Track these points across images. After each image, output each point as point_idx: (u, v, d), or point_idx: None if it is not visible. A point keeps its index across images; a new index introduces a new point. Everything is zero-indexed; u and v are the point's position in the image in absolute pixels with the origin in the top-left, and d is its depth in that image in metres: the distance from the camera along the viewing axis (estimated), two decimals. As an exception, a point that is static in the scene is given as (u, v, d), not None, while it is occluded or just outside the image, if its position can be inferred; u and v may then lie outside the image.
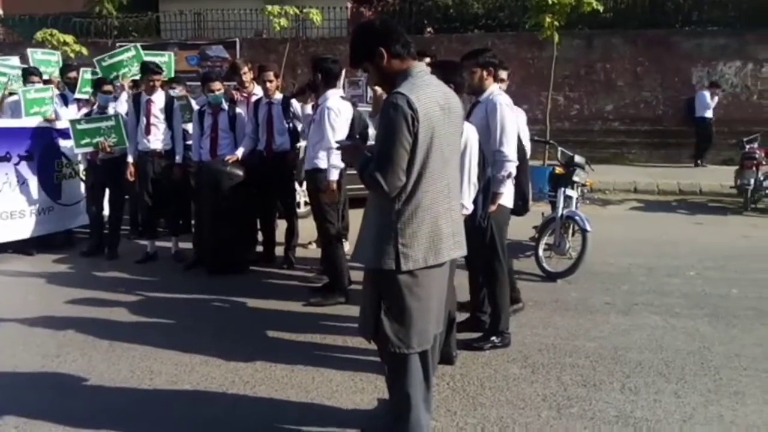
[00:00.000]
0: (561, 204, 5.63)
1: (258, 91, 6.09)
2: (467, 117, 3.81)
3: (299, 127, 5.91)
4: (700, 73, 13.08)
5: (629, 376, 3.65)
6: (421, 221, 2.56)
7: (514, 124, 3.93)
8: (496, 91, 4.02)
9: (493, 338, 4.04)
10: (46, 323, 4.49)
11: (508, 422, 3.15)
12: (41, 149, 6.49)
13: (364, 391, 3.45)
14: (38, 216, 6.52)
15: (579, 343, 4.11)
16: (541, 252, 5.57)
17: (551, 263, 5.56)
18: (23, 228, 6.40)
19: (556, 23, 10.19)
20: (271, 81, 5.76)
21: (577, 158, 6.10)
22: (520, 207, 4.22)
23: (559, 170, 6.21)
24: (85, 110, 6.64)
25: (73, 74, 6.85)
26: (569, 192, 5.74)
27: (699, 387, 3.51)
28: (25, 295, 5.30)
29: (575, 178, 5.88)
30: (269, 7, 12.89)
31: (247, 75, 6.17)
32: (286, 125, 5.84)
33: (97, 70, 6.94)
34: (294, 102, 5.85)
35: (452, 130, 2.65)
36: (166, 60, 7.22)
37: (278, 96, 5.86)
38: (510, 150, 3.85)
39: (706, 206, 9.22)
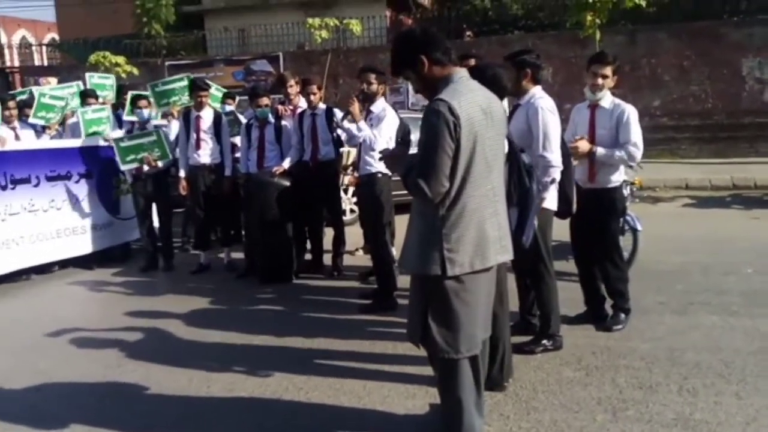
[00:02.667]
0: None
1: (302, 103, 6.21)
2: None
3: (343, 136, 5.99)
4: (751, 64, 12.66)
5: (687, 377, 3.56)
6: (467, 226, 2.58)
7: (557, 128, 3.88)
8: (537, 94, 3.91)
9: (545, 341, 4.00)
10: (107, 334, 4.67)
11: (563, 426, 3.12)
12: (100, 167, 6.77)
13: (415, 396, 3.47)
14: (98, 231, 6.80)
15: (633, 345, 4.04)
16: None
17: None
18: (85, 243, 6.68)
19: (597, 21, 10.04)
20: (314, 93, 5.88)
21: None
22: (565, 210, 4.17)
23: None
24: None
25: (143, 102, 6.94)
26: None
27: (762, 388, 3.40)
28: (87, 308, 5.53)
29: (624, 177, 5.76)
30: (310, 20, 13.13)
31: (294, 88, 6.28)
32: (331, 135, 5.94)
33: (149, 94, 7.16)
34: (336, 111, 5.95)
35: (495, 135, 2.66)
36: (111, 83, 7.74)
37: (322, 107, 5.96)
38: (554, 155, 3.80)
39: (761, 200, 8.88)
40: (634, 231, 5.28)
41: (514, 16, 15.64)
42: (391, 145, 4.97)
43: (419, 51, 2.62)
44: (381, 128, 4.99)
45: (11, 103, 6.43)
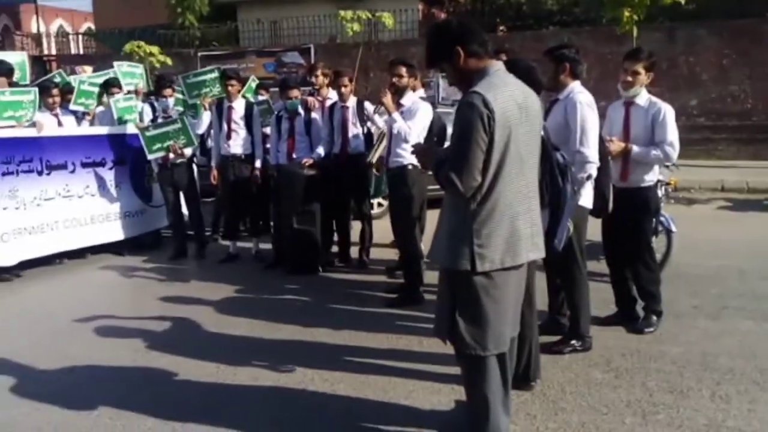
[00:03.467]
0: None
1: (333, 96, 6.20)
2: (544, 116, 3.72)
3: (373, 129, 5.98)
4: (794, 64, 12.29)
5: (720, 383, 3.47)
6: (498, 222, 2.54)
7: (595, 124, 3.80)
8: (576, 89, 3.84)
9: (574, 342, 3.94)
10: (136, 321, 4.73)
11: (591, 428, 3.06)
12: (133, 154, 6.85)
13: (441, 392, 3.44)
14: (131, 218, 6.90)
15: (665, 348, 3.95)
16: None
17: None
18: (118, 230, 6.78)
19: (635, 17, 9.84)
20: (345, 86, 5.86)
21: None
22: (600, 208, 4.09)
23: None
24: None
25: (167, 91, 6.95)
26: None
27: (798, 397, 3.30)
28: (117, 294, 5.61)
29: (659, 177, 5.64)
30: (342, 13, 13.10)
31: (320, 79, 6.26)
32: (361, 128, 5.92)
33: (181, 85, 7.23)
34: (367, 105, 5.93)
35: (530, 130, 2.60)
36: (140, 72, 7.67)
37: (352, 100, 5.95)
38: (590, 150, 3.72)
39: (801, 205, 8.64)
40: (669, 232, 5.17)
41: (549, 11, 15.45)
42: (422, 139, 4.93)
43: (455, 42, 2.58)
44: (414, 120, 4.93)
45: (54, 91, 6.54)
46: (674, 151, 4.11)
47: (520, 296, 2.80)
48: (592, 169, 3.74)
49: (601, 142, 3.97)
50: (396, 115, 4.92)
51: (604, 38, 12.97)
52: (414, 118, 4.95)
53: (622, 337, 4.14)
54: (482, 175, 2.48)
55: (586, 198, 3.83)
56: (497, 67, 2.61)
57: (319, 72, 6.27)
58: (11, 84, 6.51)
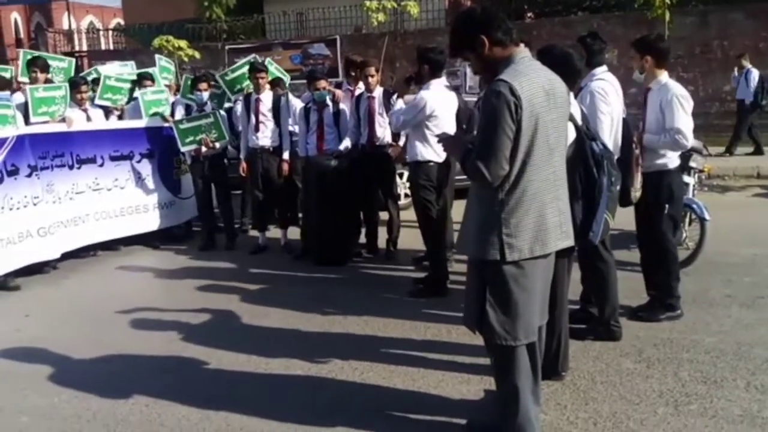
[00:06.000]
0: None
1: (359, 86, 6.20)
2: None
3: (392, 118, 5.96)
4: (835, 46, 11.92)
5: (755, 373, 3.41)
6: (526, 211, 2.52)
7: (608, 112, 3.77)
8: (597, 76, 3.88)
9: (600, 329, 3.91)
10: (170, 311, 4.82)
11: (622, 418, 3.04)
12: (161, 147, 6.95)
13: (470, 381, 3.44)
14: (161, 210, 7.00)
15: (698, 338, 3.89)
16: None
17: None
18: (148, 221, 6.90)
19: (667, 1, 9.63)
20: (372, 75, 5.86)
21: (694, 142, 5.74)
22: (623, 197, 4.02)
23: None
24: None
25: (202, 86, 6.84)
26: (686, 179, 5.41)
27: (837, 387, 3.23)
28: (150, 285, 5.72)
29: (692, 164, 5.54)
30: (368, 3, 13.05)
31: (375, 78, 5.95)
32: (387, 119, 5.91)
33: (220, 83, 7.31)
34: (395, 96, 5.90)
35: (558, 117, 2.58)
36: (65, 66, 7.42)
37: (379, 90, 5.94)
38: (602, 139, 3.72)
39: (840, 191, 8.40)
40: (702, 221, 5.07)
41: (578, -4, 15.20)
42: (435, 131, 4.80)
43: (479, 31, 2.56)
44: (405, 110, 4.85)
45: (84, 87, 6.66)
46: (683, 138, 3.99)
47: (548, 285, 2.78)
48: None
49: (626, 128, 3.92)
50: (399, 101, 4.88)
51: (634, 23, 12.71)
52: (407, 107, 4.87)
53: (654, 327, 4.09)
54: (510, 163, 2.47)
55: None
56: (523, 54, 2.59)
57: (373, 70, 5.97)
58: (47, 81, 6.64)
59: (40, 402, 3.47)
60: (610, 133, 3.74)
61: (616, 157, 3.74)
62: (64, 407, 3.41)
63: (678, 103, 4.00)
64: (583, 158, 3.14)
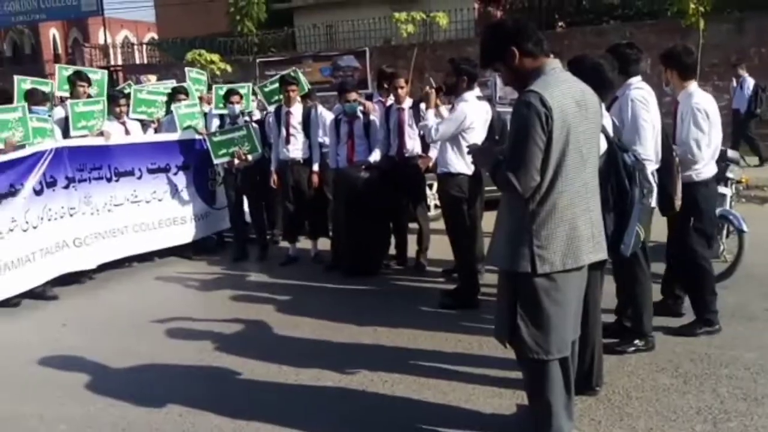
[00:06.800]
0: (714, 203, 5.22)
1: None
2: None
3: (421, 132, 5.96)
4: None
5: (798, 390, 3.31)
6: (558, 222, 2.51)
7: (649, 121, 3.73)
8: (633, 85, 3.85)
9: (636, 341, 3.84)
10: (203, 321, 4.88)
11: (658, 434, 2.98)
12: (196, 159, 7.07)
13: (502, 395, 3.41)
14: (196, 221, 7.11)
15: (737, 353, 3.79)
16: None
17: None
18: (183, 233, 7.01)
19: (701, 8, 9.48)
20: (402, 87, 5.89)
21: (731, 153, 5.63)
22: (665, 205, 3.97)
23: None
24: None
25: (235, 98, 6.92)
26: (723, 190, 5.30)
27: None
28: (184, 295, 5.80)
29: (729, 175, 5.43)
30: (397, 15, 13.12)
31: (405, 90, 6.01)
32: (417, 130, 5.92)
33: (259, 95, 7.52)
34: (423, 106, 5.91)
35: (590, 128, 2.57)
36: (98, 78, 7.55)
37: (408, 101, 5.96)
38: (644, 149, 3.65)
39: None
40: (740, 232, 4.96)
41: (610, 5, 15.02)
42: (465, 142, 4.79)
43: (509, 42, 2.56)
44: (443, 122, 4.83)
45: (122, 100, 6.82)
46: (687, 153, 3.93)
47: (581, 298, 2.74)
48: (649, 167, 3.64)
49: (665, 137, 3.88)
50: (429, 112, 4.85)
51: (667, 32, 12.51)
52: (445, 119, 4.86)
53: (691, 341, 4.00)
54: (541, 174, 2.46)
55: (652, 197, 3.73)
56: (553, 65, 2.58)
57: (402, 82, 6.00)
58: (89, 95, 6.82)
59: (78, 410, 3.54)
60: (652, 142, 3.69)
61: (656, 166, 3.71)
62: (100, 415, 3.47)
63: (691, 115, 3.97)
64: (615, 170, 3.12)
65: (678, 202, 3.93)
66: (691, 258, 4.10)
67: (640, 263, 3.77)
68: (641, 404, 3.27)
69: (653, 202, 3.77)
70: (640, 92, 3.78)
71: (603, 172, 2.85)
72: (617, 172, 3.11)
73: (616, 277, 4.00)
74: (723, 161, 5.59)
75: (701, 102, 4.01)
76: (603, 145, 2.98)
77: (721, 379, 3.49)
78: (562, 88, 2.48)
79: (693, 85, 4.10)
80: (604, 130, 2.96)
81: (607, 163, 3.05)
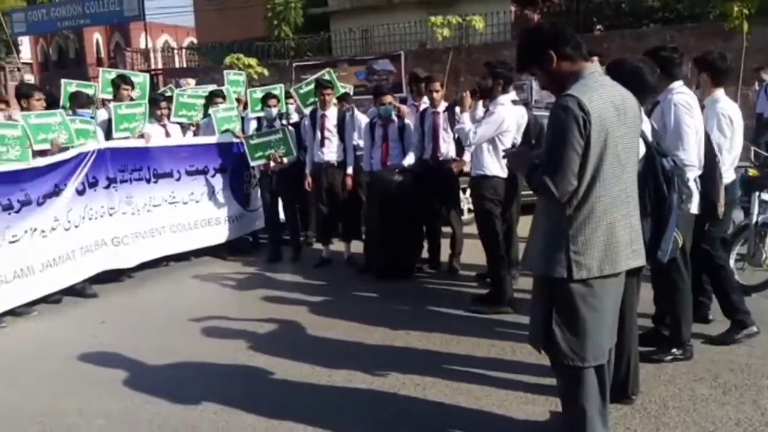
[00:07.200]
0: (756, 210, 5.08)
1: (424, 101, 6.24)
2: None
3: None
4: None
5: None
6: (595, 228, 2.47)
7: (692, 126, 3.66)
8: (675, 89, 3.77)
9: (674, 350, 3.77)
10: (238, 321, 4.95)
11: (696, 446, 2.91)
12: (233, 162, 7.18)
13: (535, 402, 3.38)
14: (231, 223, 7.23)
15: (779, 365, 3.69)
16: (732, 263, 5.06)
17: (744, 275, 5.02)
18: (219, 233, 7.13)
19: (745, 11, 9.26)
20: (437, 91, 5.88)
21: (773, 158, 5.49)
22: (708, 212, 3.88)
23: (753, 172, 5.59)
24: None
25: (272, 101, 7.05)
26: (765, 196, 5.17)
27: None
28: (219, 295, 5.89)
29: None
30: (432, 18, 13.15)
31: (440, 94, 5.96)
32: (451, 134, 5.91)
33: (295, 97, 7.59)
34: (458, 110, 5.91)
35: (628, 133, 2.53)
36: (140, 81, 7.68)
37: (443, 105, 5.95)
38: (687, 154, 3.59)
39: None
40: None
41: (650, 8, 14.75)
42: (502, 146, 4.76)
43: (547, 46, 2.54)
44: (481, 125, 4.79)
45: (163, 103, 6.98)
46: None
47: (618, 304, 2.70)
48: (692, 173, 3.57)
49: (709, 143, 3.81)
50: (465, 115, 4.81)
51: (709, 35, 12.26)
52: (483, 122, 4.81)
53: (730, 351, 3.90)
54: (578, 179, 2.43)
55: (692, 203, 3.66)
56: (592, 69, 2.55)
57: (438, 85, 5.96)
58: (131, 99, 7.00)
59: (115, 406, 3.62)
60: (695, 147, 3.62)
61: (699, 173, 3.64)
62: (137, 411, 3.55)
63: (715, 120, 3.98)
64: (653, 175, 3.06)
65: (721, 210, 3.86)
66: (709, 262, 4.07)
67: (679, 270, 3.70)
68: (678, 414, 3.20)
69: (694, 209, 3.70)
70: (683, 97, 3.71)
71: (641, 177, 2.80)
72: (655, 177, 3.06)
73: (654, 285, 3.93)
74: (766, 167, 5.46)
75: (726, 108, 4.04)
76: (641, 150, 2.93)
77: (763, 390, 3.40)
78: (600, 93, 2.45)
79: (720, 92, 4.12)
80: (642, 135, 2.92)
81: (645, 168, 3.00)
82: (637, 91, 2.74)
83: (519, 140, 4.99)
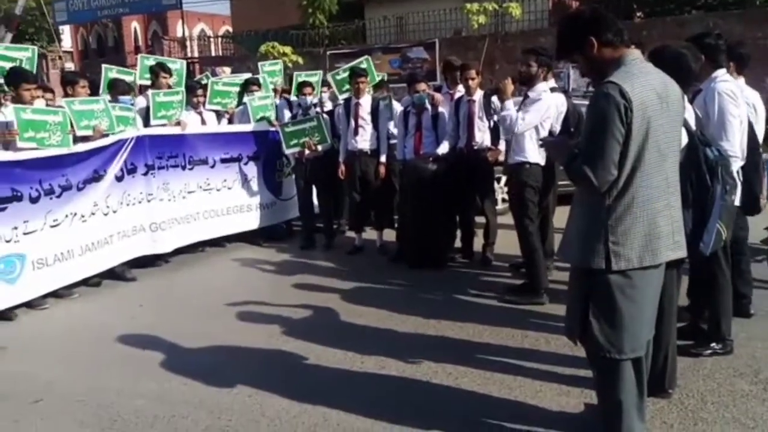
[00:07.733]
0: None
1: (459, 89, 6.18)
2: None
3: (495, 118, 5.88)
4: None
5: None
6: (635, 218, 2.43)
7: (736, 115, 3.56)
8: (719, 78, 3.68)
9: (714, 344, 3.69)
10: (273, 305, 5.01)
11: (735, 442, 2.85)
12: (266, 151, 7.24)
13: (569, 394, 3.34)
14: (263, 210, 7.30)
15: (824, 362, 3.58)
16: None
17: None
18: (251, 220, 7.21)
19: (794, -5, 8.93)
20: (473, 79, 5.82)
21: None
22: (750, 204, 3.78)
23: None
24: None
25: (308, 89, 7.22)
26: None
27: None
28: (254, 280, 5.97)
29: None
30: (468, 5, 12.99)
31: (476, 81, 5.89)
32: (487, 122, 5.85)
33: (331, 83, 7.62)
34: (494, 98, 5.83)
35: (671, 121, 2.47)
36: (177, 68, 7.70)
37: (479, 93, 5.89)
38: (730, 144, 3.49)
39: None
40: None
41: (692, -7, 14.36)
42: (543, 132, 4.74)
43: (588, 32, 2.49)
44: (528, 111, 4.71)
45: (199, 91, 7.07)
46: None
47: (658, 297, 2.65)
48: (735, 164, 3.46)
49: (752, 132, 3.70)
50: (509, 102, 4.72)
51: (755, 21, 11.89)
52: (530, 108, 4.74)
53: (773, 346, 3.80)
54: (618, 168, 2.38)
55: (736, 194, 3.56)
56: (634, 56, 2.49)
57: (474, 73, 5.87)
58: (169, 86, 7.10)
59: (153, 387, 3.70)
60: (738, 137, 3.53)
61: (742, 164, 3.55)
62: (174, 392, 3.62)
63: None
64: (696, 165, 2.99)
65: (764, 202, 3.75)
66: (719, 262, 3.89)
67: (719, 264, 3.61)
68: (717, 410, 3.13)
69: (737, 201, 3.60)
70: (728, 85, 3.60)
71: (683, 167, 2.74)
72: (698, 167, 2.99)
73: (692, 277, 3.84)
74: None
75: (749, 96, 3.97)
76: (684, 139, 2.86)
77: (807, 388, 3.31)
78: (642, 80, 2.39)
79: (741, 81, 4.05)
80: (685, 124, 2.85)
81: (687, 158, 2.93)
82: (679, 78, 2.67)
83: (558, 129, 4.92)
